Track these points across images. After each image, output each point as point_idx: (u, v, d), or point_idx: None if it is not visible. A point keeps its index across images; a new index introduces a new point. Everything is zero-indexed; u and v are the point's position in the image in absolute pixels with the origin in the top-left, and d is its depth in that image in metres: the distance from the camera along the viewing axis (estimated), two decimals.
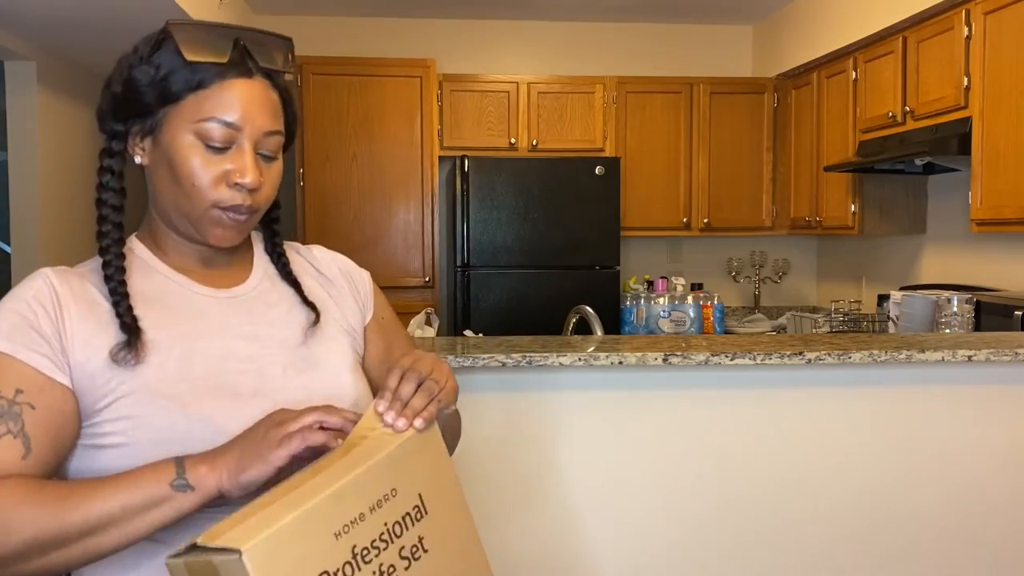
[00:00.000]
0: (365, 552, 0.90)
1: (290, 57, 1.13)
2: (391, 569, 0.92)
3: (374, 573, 0.91)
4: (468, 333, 3.86)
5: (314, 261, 1.27)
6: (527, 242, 4.27)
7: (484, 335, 2.76)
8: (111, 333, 1.04)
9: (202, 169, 1.06)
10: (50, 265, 1.10)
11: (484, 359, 1.86)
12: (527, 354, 1.88)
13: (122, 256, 1.09)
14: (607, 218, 4.32)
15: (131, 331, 1.04)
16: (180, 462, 0.95)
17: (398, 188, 4.44)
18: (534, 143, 4.63)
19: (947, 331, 3.15)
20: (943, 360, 1.96)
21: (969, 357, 1.96)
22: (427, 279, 4.46)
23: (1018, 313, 2.89)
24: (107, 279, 1.07)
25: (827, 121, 4.26)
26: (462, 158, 4.25)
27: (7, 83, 4.00)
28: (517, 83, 4.64)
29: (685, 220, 4.75)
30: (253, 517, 0.86)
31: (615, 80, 4.70)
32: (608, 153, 4.66)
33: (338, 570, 0.88)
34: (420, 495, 0.97)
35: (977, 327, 3.12)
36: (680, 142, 4.74)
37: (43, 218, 4.06)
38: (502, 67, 4.94)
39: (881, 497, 2.04)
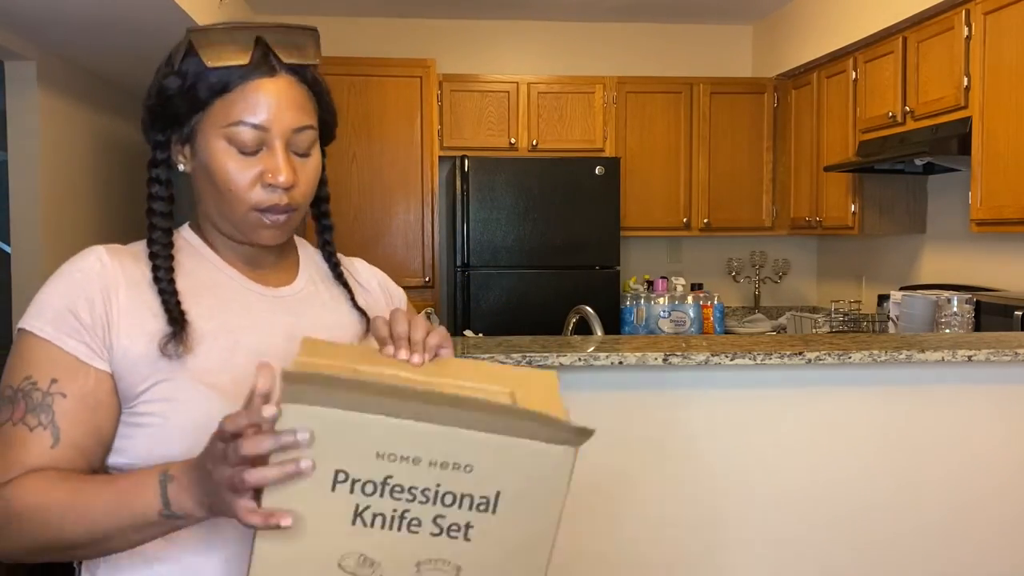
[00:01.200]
0: (398, 489, 0.83)
1: (316, 47, 1.11)
2: (414, 522, 0.84)
3: (394, 511, 0.83)
4: (468, 333, 3.86)
5: (355, 273, 1.28)
6: (527, 242, 4.27)
7: (484, 335, 2.76)
8: (158, 318, 1.06)
9: (237, 173, 1.06)
10: (49, 265, 1.11)
11: (484, 359, 1.86)
12: (527, 354, 1.88)
13: (171, 258, 1.10)
14: (607, 218, 4.32)
15: (178, 323, 1.05)
16: (165, 495, 0.94)
17: (398, 188, 4.44)
18: (534, 143, 4.63)
19: (947, 331, 3.15)
20: (943, 360, 1.96)
21: (969, 357, 1.96)
22: (427, 279, 4.46)
23: (1018, 313, 2.89)
24: (156, 280, 1.08)
25: (827, 121, 4.26)
26: (462, 158, 4.25)
27: (7, 83, 4.00)
28: (517, 83, 4.64)
29: (685, 220, 4.75)
30: (336, 361, 0.88)
31: (615, 80, 4.70)
32: (608, 153, 4.66)
33: (357, 480, 0.82)
34: (498, 493, 0.85)
35: (977, 327, 3.12)
36: (680, 142, 4.74)
37: (43, 218, 4.06)
38: (502, 67, 4.94)
39: (881, 496, 2.04)
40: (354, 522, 0.84)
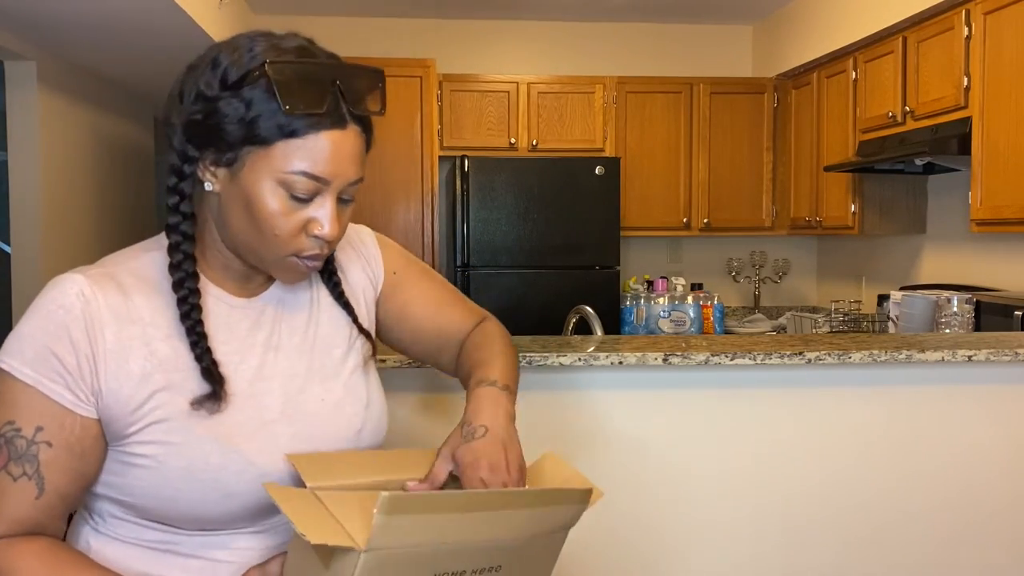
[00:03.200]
0: None
1: (383, 93, 1.08)
2: None
3: None
4: None
5: (343, 262, 1.25)
6: (527, 242, 4.27)
7: None
8: (146, 357, 1.02)
9: (283, 218, 1.01)
10: (49, 266, 1.08)
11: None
12: (527, 354, 1.88)
13: (198, 293, 1.04)
14: (607, 218, 4.32)
15: (217, 383, 1.02)
16: None
17: (398, 188, 4.44)
18: (534, 143, 4.63)
19: (947, 331, 3.15)
20: (943, 360, 1.96)
21: (969, 357, 1.96)
22: None
23: (1018, 313, 2.89)
24: (183, 317, 1.03)
25: (827, 121, 4.26)
26: (462, 158, 4.25)
27: (7, 83, 4.00)
28: (517, 83, 4.64)
29: (685, 220, 4.75)
30: (345, 481, 0.97)
31: (615, 80, 4.70)
32: (608, 153, 4.66)
33: None
34: None
35: (977, 327, 3.12)
36: (680, 142, 4.74)
37: (43, 218, 4.06)
38: (502, 67, 4.94)
39: (881, 497, 2.04)
40: None
